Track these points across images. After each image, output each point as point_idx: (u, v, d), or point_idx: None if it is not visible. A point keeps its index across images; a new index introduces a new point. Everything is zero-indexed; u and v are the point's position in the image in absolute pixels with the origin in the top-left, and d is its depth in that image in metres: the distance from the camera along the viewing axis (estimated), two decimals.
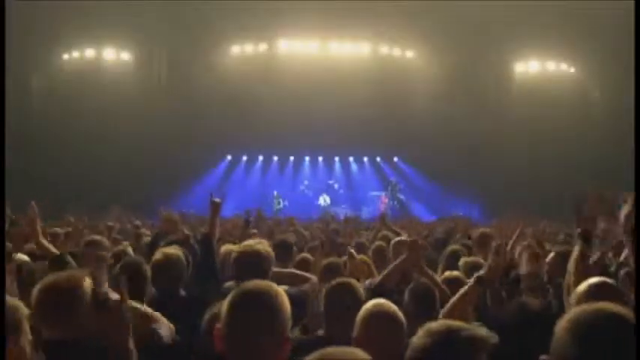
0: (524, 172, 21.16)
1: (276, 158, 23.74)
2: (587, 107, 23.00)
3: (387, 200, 22.29)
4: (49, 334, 2.23)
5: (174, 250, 3.59)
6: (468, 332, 1.53)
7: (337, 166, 24.08)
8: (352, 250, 4.15)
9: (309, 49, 22.66)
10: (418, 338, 1.55)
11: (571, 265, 2.65)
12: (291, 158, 23.74)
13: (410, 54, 23.22)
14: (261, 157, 23.73)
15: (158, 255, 3.50)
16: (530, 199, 19.12)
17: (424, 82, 22.15)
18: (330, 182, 23.12)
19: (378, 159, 24.15)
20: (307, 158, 23.89)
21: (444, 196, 22.27)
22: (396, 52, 23.20)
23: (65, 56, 21.83)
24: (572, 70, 23.70)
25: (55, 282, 2.33)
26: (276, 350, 1.71)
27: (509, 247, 4.68)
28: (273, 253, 3.33)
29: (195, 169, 21.75)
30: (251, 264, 3.12)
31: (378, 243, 5.36)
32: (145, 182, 19.76)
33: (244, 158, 23.63)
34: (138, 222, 9.82)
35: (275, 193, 22.18)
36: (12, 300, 1.93)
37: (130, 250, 4.03)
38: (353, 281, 2.94)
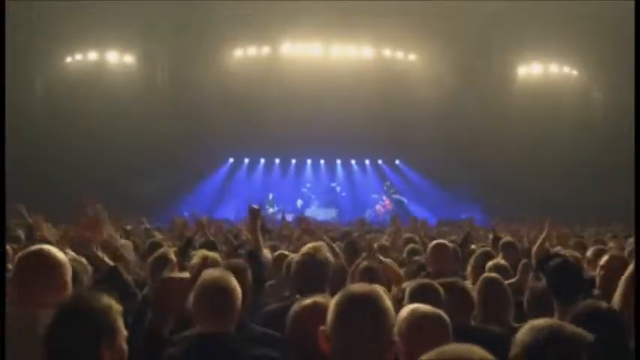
0: (526, 174, 21.17)
1: (278, 161, 23.76)
2: (589, 109, 23.00)
3: (389, 202, 22.31)
4: (203, 329, 2.44)
5: (237, 260, 3.60)
6: (572, 330, 1.57)
7: (339, 168, 24.10)
8: (382, 257, 4.12)
9: (311, 52, 22.72)
10: (524, 334, 1.57)
11: (624, 281, 2.80)
12: (293, 161, 23.76)
13: (412, 57, 23.26)
14: (263, 160, 23.76)
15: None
16: (532, 201, 19.11)
17: (426, 85, 22.16)
18: (333, 185, 23.14)
19: (380, 161, 24.15)
20: (309, 161, 23.91)
21: (445, 198, 22.26)
22: (399, 54, 23.26)
23: (68, 59, 21.93)
24: (575, 72, 23.71)
25: (216, 280, 2.48)
26: (383, 353, 1.74)
27: (534, 251, 4.69)
28: (332, 259, 3.35)
29: (197, 172, 21.81)
30: (314, 270, 3.15)
31: (411, 246, 5.42)
32: (147, 184, 19.81)
33: (246, 161, 23.67)
34: (146, 225, 9.87)
35: (270, 196, 22.11)
36: (105, 298, 1.79)
37: (172, 254, 4.00)
38: (435, 283, 2.96)
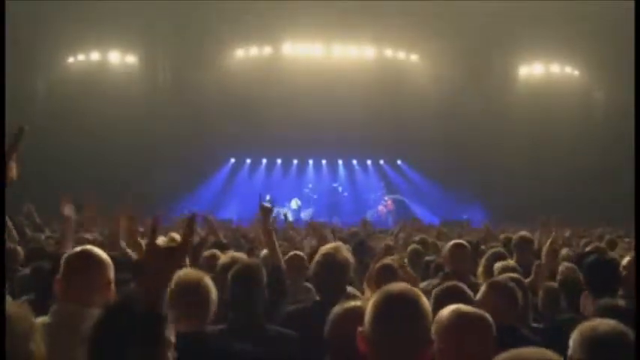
0: (527, 174, 21.18)
1: (279, 161, 23.72)
2: (590, 109, 23.02)
3: (391, 203, 22.21)
4: (181, 328, 2.38)
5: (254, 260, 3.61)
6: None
7: (341, 169, 24.07)
8: (405, 261, 4.10)
9: (313, 52, 22.70)
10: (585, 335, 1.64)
11: None
12: (295, 161, 23.72)
13: (414, 57, 23.27)
14: (264, 160, 23.73)
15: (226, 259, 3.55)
16: (532, 201, 19.14)
17: (428, 85, 22.17)
18: (334, 185, 23.09)
19: (382, 162, 24.14)
20: (311, 161, 23.87)
21: (446, 198, 22.27)
22: (400, 55, 23.25)
23: (70, 59, 21.90)
24: (575, 72, 23.73)
25: (188, 279, 2.51)
26: (421, 352, 1.75)
27: (544, 252, 4.70)
28: (353, 259, 3.36)
29: (199, 172, 21.76)
30: (335, 271, 3.15)
31: (414, 246, 5.44)
32: (149, 185, 19.76)
33: (248, 161, 23.64)
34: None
35: (267, 197, 21.97)
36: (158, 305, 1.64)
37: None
38: (462, 285, 2.96)
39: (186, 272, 2.57)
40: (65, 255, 2.48)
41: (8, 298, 2.50)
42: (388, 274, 3.68)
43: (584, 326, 1.86)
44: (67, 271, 2.41)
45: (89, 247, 2.56)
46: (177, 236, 4.75)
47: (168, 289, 2.28)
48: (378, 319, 1.76)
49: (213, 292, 2.58)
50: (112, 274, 2.45)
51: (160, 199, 19.12)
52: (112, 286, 2.44)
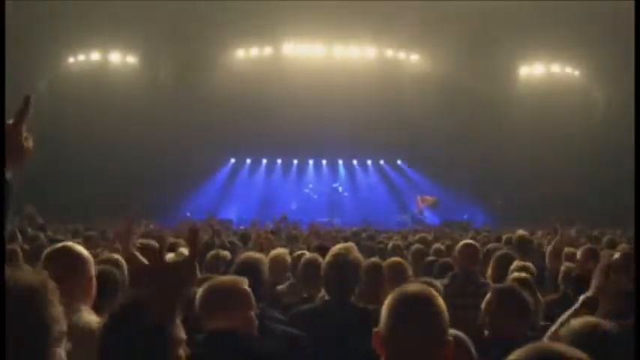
0: (528, 175, 21.17)
1: (279, 161, 23.70)
2: (590, 109, 23.01)
3: (424, 200, 21.74)
4: (211, 325, 2.47)
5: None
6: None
7: (341, 169, 24.05)
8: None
9: (314, 53, 22.71)
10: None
11: None
12: (295, 161, 23.70)
13: (414, 57, 23.26)
14: (264, 161, 23.71)
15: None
16: (533, 201, 19.14)
17: (428, 86, 22.16)
18: (335, 185, 23.05)
19: (382, 162, 24.13)
20: (311, 161, 23.85)
21: (447, 198, 22.24)
22: (401, 55, 23.26)
23: (71, 59, 21.89)
24: (576, 72, 23.72)
25: (221, 282, 2.57)
26: (437, 352, 1.73)
27: (547, 253, 4.67)
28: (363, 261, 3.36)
29: (199, 172, 21.76)
30: (347, 271, 3.14)
31: (416, 246, 5.49)
32: (149, 185, 19.76)
33: (248, 161, 23.62)
34: (152, 225, 9.89)
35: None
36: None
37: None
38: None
39: (221, 279, 2.63)
40: (45, 252, 2.43)
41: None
42: (376, 271, 3.66)
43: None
44: (47, 267, 2.32)
45: (69, 243, 2.53)
46: (185, 251, 4.75)
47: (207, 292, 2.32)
48: (393, 319, 1.74)
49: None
50: (93, 270, 2.42)
51: (160, 199, 19.15)
52: (94, 282, 2.40)
